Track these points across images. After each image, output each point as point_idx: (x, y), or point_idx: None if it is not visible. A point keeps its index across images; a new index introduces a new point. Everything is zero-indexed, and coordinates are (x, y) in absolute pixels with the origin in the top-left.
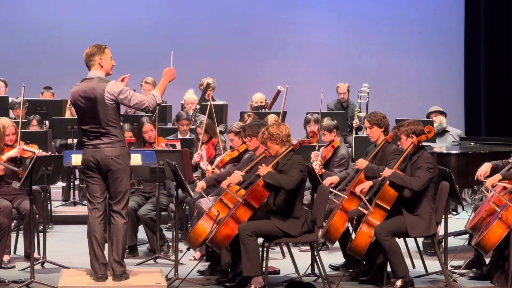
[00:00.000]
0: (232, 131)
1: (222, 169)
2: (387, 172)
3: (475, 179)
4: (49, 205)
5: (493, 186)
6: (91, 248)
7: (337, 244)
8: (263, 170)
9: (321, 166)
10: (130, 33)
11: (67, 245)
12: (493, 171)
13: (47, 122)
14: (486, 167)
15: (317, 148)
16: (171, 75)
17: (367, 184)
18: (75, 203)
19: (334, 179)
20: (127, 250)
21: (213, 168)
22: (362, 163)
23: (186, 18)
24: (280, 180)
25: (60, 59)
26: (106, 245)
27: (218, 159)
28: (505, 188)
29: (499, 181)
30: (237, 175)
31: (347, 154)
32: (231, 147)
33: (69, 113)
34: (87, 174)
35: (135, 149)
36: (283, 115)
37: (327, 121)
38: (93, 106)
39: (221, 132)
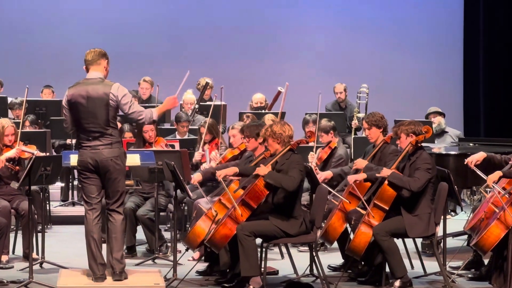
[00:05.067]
0: (234, 128)
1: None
2: (385, 172)
3: (465, 163)
4: (47, 205)
5: (494, 183)
6: (89, 248)
7: (335, 244)
8: (262, 170)
9: (316, 168)
10: (128, 33)
11: (66, 245)
12: (487, 162)
13: (42, 122)
14: (478, 156)
15: (314, 150)
16: (173, 103)
17: (361, 175)
18: (73, 203)
19: (328, 174)
20: (125, 251)
21: (217, 164)
22: (361, 163)
23: (184, 18)
24: (281, 180)
25: (59, 59)
26: (104, 245)
27: (213, 154)
28: (504, 188)
29: (499, 178)
30: (233, 167)
31: (345, 154)
32: (226, 148)
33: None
34: (83, 175)
35: (134, 149)
36: (281, 115)
37: (324, 122)
38: (96, 107)
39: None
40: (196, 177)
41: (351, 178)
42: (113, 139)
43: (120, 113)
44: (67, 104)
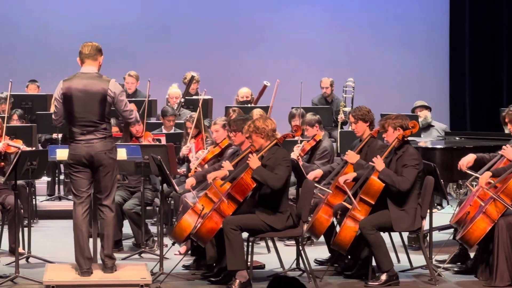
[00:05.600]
0: (217, 123)
1: (206, 166)
2: (379, 165)
3: (458, 168)
4: (34, 199)
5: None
6: (76, 242)
7: (322, 238)
8: (253, 161)
9: (299, 158)
10: (113, 27)
11: (52, 240)
12: (477, 163)
13: (28, 116)
14: (469, 158)
15: (299, 142)
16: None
17: (351, 175)
18: (60, 198)
19: (318, 173)
20: None
21: (196, 168)
22: (353, 157)
23: (170, 13)
24: (267, 178)
25: (45, 53)
26: (91, 239)
27: (200, 153)
28: (489, 183)
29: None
30: (225, 170)
31: (329, 147)
32: (213, 142)
33: (54, 108)
34: (75, 168)
35: (121, 143)
36: (269, 109)
37: (309, 116)
38: (93, 101)
39: (207, 127)
40: (189, 181)
41: (341, 179)
42: (106, 133)
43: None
44: (62, 97)
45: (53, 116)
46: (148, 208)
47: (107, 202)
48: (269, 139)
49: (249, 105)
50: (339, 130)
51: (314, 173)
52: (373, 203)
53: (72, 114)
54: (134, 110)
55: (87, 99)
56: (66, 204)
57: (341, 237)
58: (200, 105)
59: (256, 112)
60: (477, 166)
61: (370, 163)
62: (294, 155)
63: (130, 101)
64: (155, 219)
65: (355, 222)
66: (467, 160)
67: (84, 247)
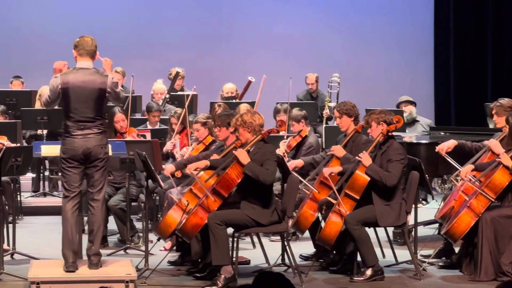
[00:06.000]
0: (198, 122)
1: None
2: (366, 160)
3: (436, 150)
4: (18, 196)
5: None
6: (65, 235)
7: (307, 233)
8: (243, 156)
9: (285, 155)
10: (98, 23)
11: (37, 236)
12: (458, 149)
13: (13, 112)
14: (449, 143)
15: (285, 138)
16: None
17: (337, 168)
18: (45, 194)
19: (298, 162)
20: None
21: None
22: (339, 151)
23: (155, 8)
24: (259, 174)
25: (30, 49)
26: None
27: (184, 150)
28: (474, 177)
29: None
30: (204, 160)
31: (315, 142)
32: (196, 139)
33: (39, 104)
34: (69, 164)
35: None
36: (255, 105)
37: (295, 112)
38: (92, 97)
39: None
40: (169, 168)
41: (326, 171)
42: (102, 128)
43: None
44: (60, 91)
45: (45, 100)
46: (133, 204)
47: (99, 197)
48: (256, 134)
49: (234, 100)
50: (324, 125)
51: (295, 162)
52: (358, 198)
53: (69, 109)
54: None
55: (86, 95)
56: (51, 201)
57: (326, 232)
58: (187, 102)
59: (243, 108)
60: (457, 153)
61: (357, 157)
62: (280, 151)
63: None
64: (140, 215)
65: (340, 218)
66: (447, 145)
67: (72, 240)
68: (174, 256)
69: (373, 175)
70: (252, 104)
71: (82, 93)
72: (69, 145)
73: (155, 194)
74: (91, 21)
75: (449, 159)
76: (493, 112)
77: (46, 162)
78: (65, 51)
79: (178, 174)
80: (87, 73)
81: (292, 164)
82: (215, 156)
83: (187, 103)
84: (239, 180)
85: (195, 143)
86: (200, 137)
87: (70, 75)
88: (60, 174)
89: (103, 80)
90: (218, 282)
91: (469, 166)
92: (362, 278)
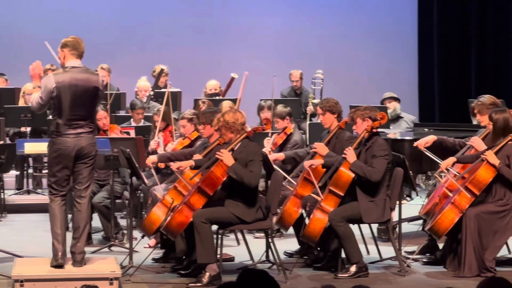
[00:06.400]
0: (184, 118)
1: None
2: (350, 156)
3: (414, 145)
4: (2, 193)
5: (447, 169)
6: (54, 231)
7: (291, 230)
8: (227, 157)
9: (271, 152)
10: (82, 20)
11: (21, 234)
12: (439, 145)
13: None
14: (428, 138)
15: (270, 135)
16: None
17: (318, 161)
18: (28, 192)
19: (279, 155)
20: None
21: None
22: (322, 149)
23: (139, 6)
24: (243, 176)
25: (13, 46)
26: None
27: (170, 145)
28: (458, 173)
29: (453, 164)
30: (189, 161)
31: (300, 140)
32: (181, 135)
33: (23, 101)
34: (60, 164)
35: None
36: (236, 101)
37: (279, 108)
38: (87, 95)
39: (175, 120)
40: (152, 158)
41: (307, 163)
42: (93, 127)
43: None
44: (54, 91)
45: (36, 104)
46: (117, 201)
47: (86, 194)
48: (239, 133)
49: (217, 97)
50: (308, 122)
51: (276, 155)
52: (342, 194)
53: (63, 108)
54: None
55: (81, 93)
56: (35, 198)
57: (310, 229)
58: (165, 98)
59: (225, 105)
60: (439, 149)
61: (343, 155)
62: (265, 150)
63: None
64: (124, 212)
65: (324, 214)
66: (425, 140)
67: (62, 236)
68: (158, 253)
69: (357, 171)
70: (235, 101)
71: (77, 91)
72: (61, 145)
73: (139, 191)
74: (75, 19)
75: (429, 153)
76: (475, 111)
77: (30, 159)
78: (45, 48)
79: (162, 165)
80: (81, 72)
81: (272, 156)
82: (197, 156)
83: (165, 99)
84: (224, 179)
85: (181, 138)
86: (186, 133)
87: (64, 74)
88: (44, 172)
89: (96, 78)
90: (203, 279)
91: (450, 159)
92: (346, 275)
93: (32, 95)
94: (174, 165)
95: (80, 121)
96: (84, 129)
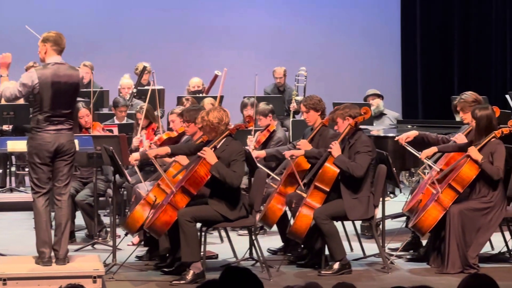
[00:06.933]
0: (174, 112)
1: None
2: (336, 151)
3: (395, 139)
4: None
5: (427, 158)
6: (40, 231)
7: (275, 228)
8: (210, 156)
9: (254, 150)
10: (65, 17)
11: (4, 232)
12: (421, 141)
13: None
14: (410, 133)
15: (253, 133)
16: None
17: (299, 152)
18: (11, 190)
19: (261, 153)
20: None
21: (150, 145)
22: (305, 146)
23: (121, 3)
24: (226, 176)
25: None
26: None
27: (156, 137)
28: (441, 170)
29: (434, 154)
30: (165, 147)
31: (283, 137)
32: (170, 129)
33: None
34: (41, 160)
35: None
36: (220, 99)
37: (262, 106)
38: (69, 92)
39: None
40: (134, 155)
41: (288, 153)
42: (72, 124)
43: None
44: (37, 87)
45: (11, 95)
46: (100, 199)
47: (65, 191)
48: (222, 132)
49: (200, 94)
50: (291, 119)
51: (257, 153)
52: (328, 190)
53: (44, 104)
54: None
55: (64, 90)
56: (18, 196)
57: (297, 225)
58: (148, 95)
59: (207, 102)
60: (419, 144)
61: (329, 149)
62: (248, 148)
63: (84, 92)
64: (107, 210)
65: (310, 210)
66: (406, 135)
67: (48, 235)
68: (142, 251)
69: (340, 166)
70: (216, 98)
71: (59, 88)
72: (41, 140)
73: (122, 189)
74: (57, 15)
75: (409, 148)
76: (458, 108)
77: (13, 157)
78: (30, 45)
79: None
80: (64, 68)
81: (253, 154)
82: (182, 157)
83: (148, 97)
84: (208, 178)
85: (167, 131)
86: (175, 128)
87: (47, 70)
88: (27, 170)
89: (77, 75)
90: (187, 277)
91: (432, 148)
92: (330, 272)
93: (2, 83)
94: (150, 152)
95: (61, 117)
96: (64, 125)
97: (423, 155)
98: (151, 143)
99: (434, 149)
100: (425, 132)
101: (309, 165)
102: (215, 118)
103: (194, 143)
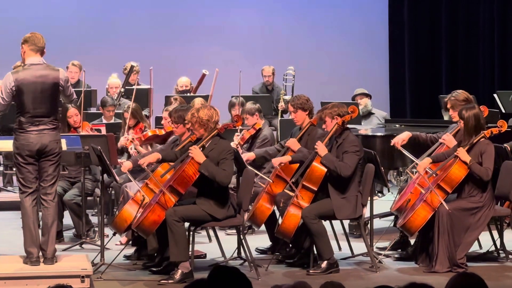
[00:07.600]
0: (167, 110)
1: (145, 146)
2: (322, 150)
3: (391, 144)
4: None
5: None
6: (28, 231)
7: (263, 227)
8: (198, 154)
9: (239, 146)
10: (53, 16)
11: None
12: (413, 141)
13: None
14: (404, 135)
15: (239, 131)
16: None
17: (286, 158)
18: None
19: (250, 155)
20: None
21: (133, 139)
22: (294, 144)
23: (109, 2)
24: (215, 174)
25: None
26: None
27: (147, 132)
28: (431, 169)
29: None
30: (156, 153)
31: (270, 135)
32: (161, 126)
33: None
34: (24, 160)
35: (60, 134)
36: (207, 98)
37: (249, 105)
38: (47, 92)
39: (146, 117)
40: (126, 165)
41: (275, 161)
42: (56, 124)
43: None
44: (14, 89)
45: None
46: (88, 198)
47: (51, 191)
48: (211, 130)
49: (188, 94)
50: (279, 118)
51: (247, 155)
52: (315, 189)
53: (24, 105)
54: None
55: (41, 91)
56: (6, 196)
57: (285, 225)
58: (134, 94)
59: (198, 101)
60: (412, 145)
61: (315, 150)
62: (233, 144)
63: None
64: (95, 210)
65: (299, 209)
66: (401, 138)
67: (36, 235)
68: (130, 250)
69: (328, 165)
70: (206, 97)
71: (36, 88)
72: (24, 141)
73: (110, 189)
74: (45, 15)
75: (406, 152)
76: (448, 106)
77: (0, 157)
78: (16, 45)
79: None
80: (40, 69)
81: (244, 156)
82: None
83: (133, 96)
84: (196, 177)
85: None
86: (166, 126)
87: (23, 72)
88: (14, 169)
89: (55, 74)
90: (175, 276)
91: (427, 159)
92: (318, 271)
93: None
94: (142, 161)
95: (43, 118)
96: (47, 125)
97: (421, 169)
98: (133, 138)
99: (429, 160)
100: (416, 132)
101: (297, 165)
102: (205, 115)
103: (183, 144)
